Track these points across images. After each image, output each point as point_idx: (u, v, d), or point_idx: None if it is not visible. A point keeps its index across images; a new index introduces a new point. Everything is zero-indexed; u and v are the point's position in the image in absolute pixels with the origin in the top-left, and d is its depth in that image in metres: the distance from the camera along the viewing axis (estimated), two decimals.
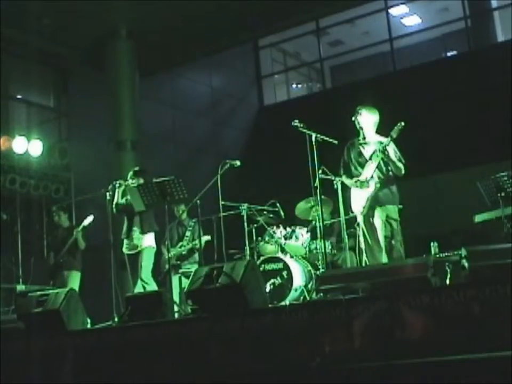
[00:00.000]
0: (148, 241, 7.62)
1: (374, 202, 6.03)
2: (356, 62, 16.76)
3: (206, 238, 7.92)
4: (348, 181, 6.23)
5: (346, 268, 7.08)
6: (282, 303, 6.89)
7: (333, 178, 6.64)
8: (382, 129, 6.27)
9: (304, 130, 6.11)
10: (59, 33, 11.71)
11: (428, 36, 15.90)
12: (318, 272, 7.25)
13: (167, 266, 7.00)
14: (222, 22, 11.84)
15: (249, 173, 10.93)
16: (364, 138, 6.22)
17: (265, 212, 8.04)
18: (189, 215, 8.51)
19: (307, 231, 7.81)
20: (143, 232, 7.58)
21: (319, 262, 7.33)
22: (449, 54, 16.53)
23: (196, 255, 8.27)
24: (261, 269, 7.19)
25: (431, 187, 12.56)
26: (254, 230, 7.86)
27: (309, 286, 7.36)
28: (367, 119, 6.19)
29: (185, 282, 7.44)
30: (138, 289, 7.45)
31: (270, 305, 5.74)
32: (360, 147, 6.22)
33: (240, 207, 7.71)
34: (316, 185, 6.16)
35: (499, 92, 12.14)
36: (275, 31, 14.40)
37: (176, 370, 4.55)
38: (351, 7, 13.44)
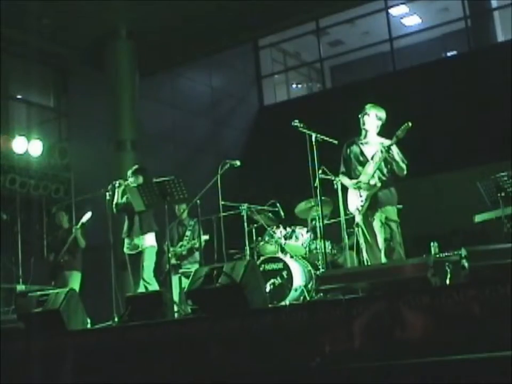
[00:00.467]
0: (149, 241, 7.62)
1: (373, 203, 6.01)
2: (356, 62, 16.76)
3: (205, 237, 7.92)
4: (347, 182, 6.21)
5: (346, 267, 7.08)
6: (282, 303, 6.89)
7: (333, 178, 6.63)
8: (382, 130, 6.26)
9: (304, 130, 6.10)
10: (59, 33, 11.71)
11: (428, 35, 15.90)
12: (318, 272, 7.25)
13: (167, 266, 6.99)
14: (222, 22, 11.84)
15: (249, 173, 10.93)
16: (366, 137, 6.21)
17: (265, 212, 8.05)
18: (189, 214, 8.52)
19: (307, 231, 7.81)
20: (142, 232, 7.58)
21: (319, 262, 7.32)
22: (449, 54, 16.54)
23: (196, 255, 8.27)
24: (261, 269, 7.19)
25: (431, 187, 12.57)
26: (254, 230, 7.86)
27: (309, 286, 7.35)
28: (374, 120, 6.16)
29: (185, 282, 7.44)
30: (141, 289, 7.44)
31: (270, 305, 5.75)
32: (361, 146, 6.20)
33: (240, 207, 7.71)
34: (316, 185, 6.15)
35: (499, 92, 12.15)
36: (275, 31, 14.40)
37: (176, 370, 4.55)
38: (351, 7, 13.44)
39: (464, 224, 9.04)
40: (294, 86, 18.48)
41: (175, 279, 7.93)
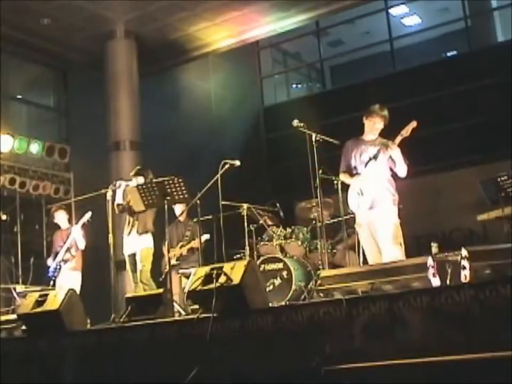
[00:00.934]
0: (144, 242, 7.58)
1: (374, 203, 6.01)
2: (356, 62, 16.75)
3: (205, 237, 7.92)
4: (348, 181, 6.20)
5: (346, 268, 7.07)
6: (282, 303, 6.89)
7: (333, 178, 6.63)
8: (383, 129, 6.25)
9: (304, 130, 6.10)
10: (59, 33, 11.72)
11: (428, 35, 15.87)
12: (318, 272, 7.25)
13: (167, 266, 6.99)
14: (222, 22, 11.84)
15: (249, 173, 10.93)
16: (367, 137, 6.19)
17: (265, 212, 8.04)
18: (189, 214, 8.51)
19: (307, 231, 7.81)
20: (138, 233, 7.56)
21: (319, 262, 7.32)
22: (449, 54, 16.52)
23: (196, 255, 8.26)
24: (261, 269, 7.19)
25: (431, 187, 12.56)
26: (254, 230, 7.86)
27: (309, 286, 7.35)
28: (376, 120, 6.14)
29: (185, 282, 7.43)
30: (139, 291, 7.43)
31: (270, 305, 5.74)
32: (363, 145, 6.19)
33: (240, 207, 7.71)
34: (316, 185, 6.14)
35: (499, 92, 12.15)
36: (275, 32, 14.39)
37: (176, 370, 4.54)
38: (351, 7, 13.42)
39: (464, 224, 9.05)
40: (294, 86, 18.47)
41: (175, 279, 7.92)
